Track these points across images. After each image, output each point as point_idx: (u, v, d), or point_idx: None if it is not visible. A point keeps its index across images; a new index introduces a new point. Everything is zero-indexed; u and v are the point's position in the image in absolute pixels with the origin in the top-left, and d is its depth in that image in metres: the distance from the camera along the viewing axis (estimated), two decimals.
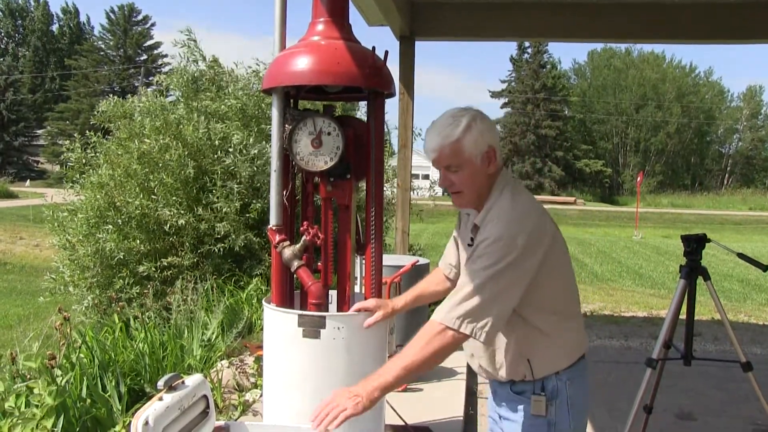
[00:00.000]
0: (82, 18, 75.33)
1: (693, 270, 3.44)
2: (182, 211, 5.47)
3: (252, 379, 3.55)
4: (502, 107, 52.01)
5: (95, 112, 6.42)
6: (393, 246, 5.89)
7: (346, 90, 2.23)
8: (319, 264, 2.21)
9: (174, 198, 5.56)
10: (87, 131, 6.22)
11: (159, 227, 5.59)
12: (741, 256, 3.50)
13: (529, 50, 50.49)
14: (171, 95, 6.55)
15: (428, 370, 1.81)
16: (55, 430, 2.59)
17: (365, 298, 2.14)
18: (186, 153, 5.59)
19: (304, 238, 2.13)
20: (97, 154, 6.12)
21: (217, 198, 5.45)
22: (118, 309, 4.44)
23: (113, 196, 5.70)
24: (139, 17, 55.85)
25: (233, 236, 5.43)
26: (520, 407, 1.88)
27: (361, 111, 6.51)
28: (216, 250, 5.43)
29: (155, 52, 54.23)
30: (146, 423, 1.43)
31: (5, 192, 29.49)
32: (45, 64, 56.41)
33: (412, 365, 1.68)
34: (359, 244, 2.21)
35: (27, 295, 9.73)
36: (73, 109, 49.10)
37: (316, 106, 3.53)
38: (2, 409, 2.71)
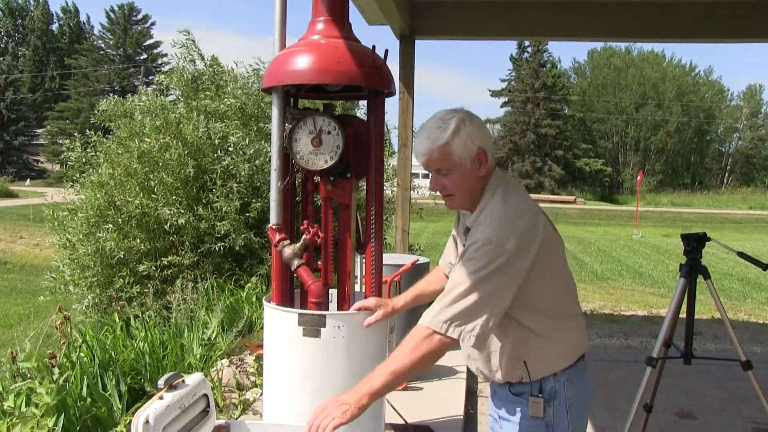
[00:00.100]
0: (82, 17, 75.42)
1: (693, 269, 3.44)
2: (182, 211, 5.47)
3: (252, 378, 3.55)
4: (502, 106, 52.12)
5: (96, 111, 6.42)
6: (393, 245, 5.89)
7: (346, 89, 2.23)
8: (319, 263, 2.21)
9: (174, 197, 5.56)
10: (87, 130, 6.23)
11: (159, 226, 5.59)
12: (741, 254, 3.50)
13: (529, 49, 50.49)
14: (171, 94, 6.55)
15: (417, 374, 1.80)
16: (56, 429, 2.60)
17: (365, 297, 2.14)
18: (186, 152, 5.59)
19: (304, 237, 2.13)
20: (98, 154, 6.12)
21: (217, 197, 5.45)
22: (119, 308, 4.44)
23: (113, 195, 5.70)
24: (139, 16, 55.89)
25: (233, 235, 5.44)
26: (519, 408, 1.87)
27: (362, 110, 6.52)
28: (216, 249, 5.43)
29: (155, 51, 54.24)
30: (147, 422, 1.43)
31: (5, 191, 29.51)
32: (45, 63, 56.41)
33: (400, 370, 1.67)
34: (359, 243, 2.21)
35: (27, 294, 9.73)
36: (73, 108, 49.10)
37: (316, 105, 3.53)
38: (1, 408, 2.72)
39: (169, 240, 5.61)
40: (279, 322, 2.05)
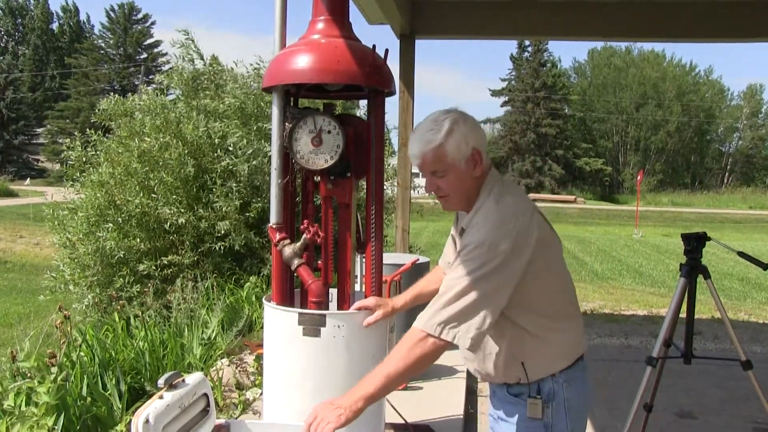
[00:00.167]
0: (82, 16, 75.47)
1: (693, 268, 3.44)
2: (182, 210, 5.47)
3: (252, 378, 3.55)
4: (502, 105, 52.02)
5: (96, 111, 6.44)
6: (393, 244, 5.89)
7: (347, 88, 2.23)
8: (319, 262, 2.21)
9: (174, 196, 5.56)
10: (87, 129, 6.23)
11: (159, 226, 5.59)
12: (741, 254, 3.50)
13: (530, 49, 50.45)
14: (171, 94, 6.56)
15: (412, 376, 1.79)
16: (56, 428, 2.60)
17: (365, 297, 2.14)
18: (186, 151, 5.59)
19: (304, 236, 2.13)
20: (98, 153, 6.13)
21: (217, 197, 5.45)
22: (119, 307, 4.44)
23: (113, 195, 5.70)
24: (139, 16, 55.85)
25: (233, 235, 5.44)
26: (517, 410, 1.86)
27: (362, 110, 6.51)
28: (216, 248, 5.43)
29: (155, 50, 54.22)
30: (147, 421, 1.43)
31: (5, 190, 29.50)
32: (45, 62, 56.39)
33: (394, 374, 1.66)
34: (359, 243, 2.21)
35: (27, 294, 9.74)
36: (73, 107, 49.09)
37: (316, 105, 3.53)
38: (1, 407, 2.72)
39: (169, 239, 5.61)
40: (279, 322, 2.04)
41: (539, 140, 48.82)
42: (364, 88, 2.13)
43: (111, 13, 55.45)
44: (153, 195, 5.58)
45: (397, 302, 2.15)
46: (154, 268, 5.43)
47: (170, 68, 6.60)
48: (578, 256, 15.34)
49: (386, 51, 2.12)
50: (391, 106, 19.89)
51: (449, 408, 2.76)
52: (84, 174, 6.04)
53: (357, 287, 2.33)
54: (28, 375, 2.93)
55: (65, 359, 3.10)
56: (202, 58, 6.40)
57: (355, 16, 4.33)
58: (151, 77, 46.86)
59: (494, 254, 1.66)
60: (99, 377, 3.15)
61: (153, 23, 56.89)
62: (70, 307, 5.39)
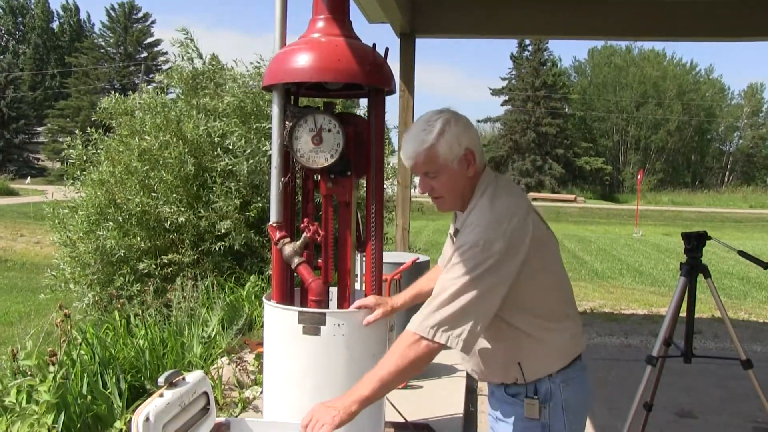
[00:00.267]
0: (83, 15, 75.37)
1: (693, 267, 3.44)
2: (182, 209, 5.47)
3: (252, 376, 3.55)
4: (502, 105, 51.96)
5: (97, 109, 6.44)
6: (393, 243, 5.90)
7: (347, 87, 2.23)
8: (319, 261, 2.21)
9: (174, 195, 5.57)
10: (88, 128, 6.23)
11: (159, 224, 5.59)
12: (741, 253, 3.49)
13: (530, 48, 50.41)
14: (171, 92, 6.56)
15: (407, 379, 1.79)
16: (56, 426, 2.60)
17: (365, 295, 2.14)
18: (186, 150, 5.59)
19: (304, 235, 2.13)
20: (98, 151, 6.13)
21: (217, 196, 5.45)
22: (119, 306, 4.44)
23: (114, 193, 5.71)
24: (140, 14, 55.85)
25: (234, 234, 5.44)
26: (514, 410, 1.85)
27: (362, 109, 6.51)
28: (216, 248, 5.43)
29: (155, 49, 54.21)
30: (147, 419, 1.43)
31: (6, 189, 29.50)
32: (45, 61, 56.39)
33: (388, 377, 1.66)
34: (359, 241, 2.21)
35: (28, 292, 9.74)
36: (73, 106, 49.09)
37: (316, 103, 3.53)
38: (2, 404, 2.72)
39: (170, 238, 5.61)
40: (279, 320, 2.05)
41: (539, 139, 48.80)
42: (365, 86, 2.13)
43: (111, 12, 55.51)
44: (153, 194, 5.58)
45: (396, 301, 2.15)
46: (154, 266, 5.44)
47: (170, 67, 6.59)
48: (578, 255, 15.34)
49: (386, 50, 2.12)
50: (392, 104, 19.89)
51: (449, 407, 2.77)
52: (84, 172, 6.04)
53: (357, 286, 2.33)
54: (29, 373, 2.94)
55: (66, 358, 3.10)
56: (201, 57, 6.40)
57: (355, 15, 4.33)
58: (151, 76, 46.87)
59: (488, 254, 1.65)
60: (99, 375, 3.15)
61: (153, 22, 57.00)
62: (70, 305, 5.39)
